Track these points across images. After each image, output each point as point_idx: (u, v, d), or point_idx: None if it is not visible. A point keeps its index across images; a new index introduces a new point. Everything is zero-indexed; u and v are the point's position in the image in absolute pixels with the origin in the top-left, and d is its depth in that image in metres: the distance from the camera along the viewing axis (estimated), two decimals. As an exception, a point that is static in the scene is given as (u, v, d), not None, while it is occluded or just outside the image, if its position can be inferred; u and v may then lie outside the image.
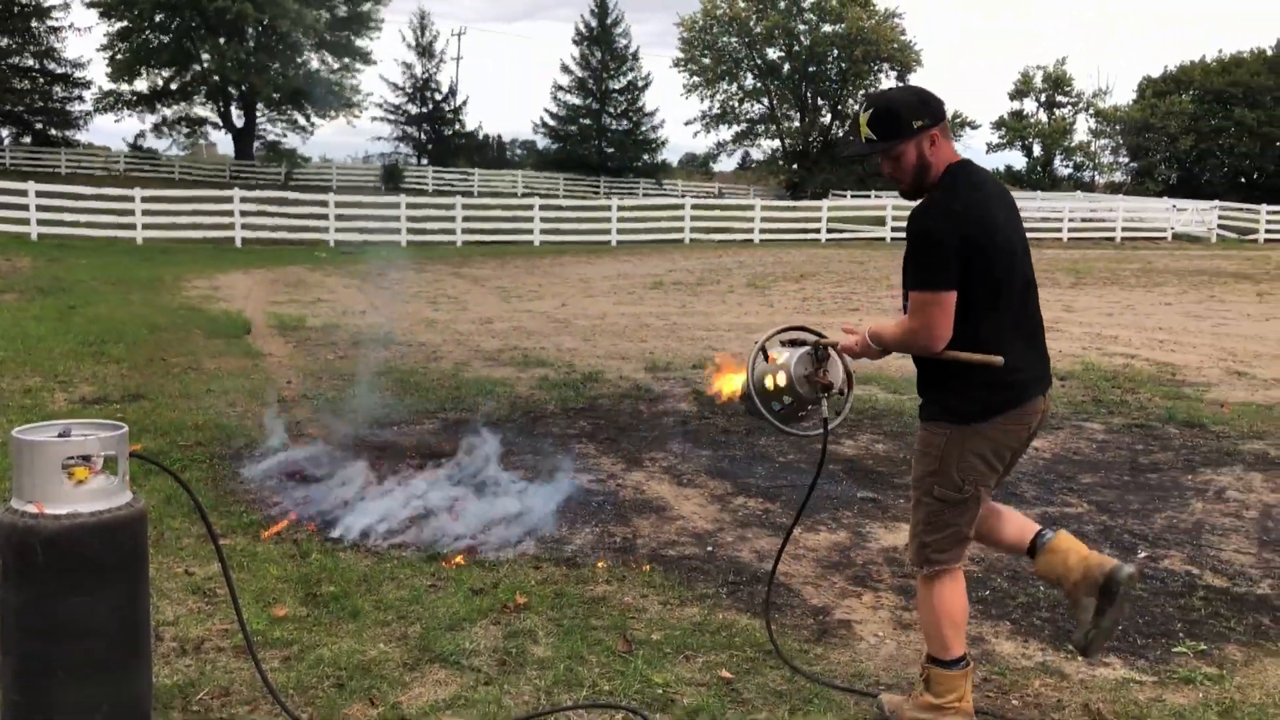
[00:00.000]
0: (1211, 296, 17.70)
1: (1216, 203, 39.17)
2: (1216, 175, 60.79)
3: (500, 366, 9.91)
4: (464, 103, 59.59)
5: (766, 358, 3.45)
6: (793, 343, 3.46)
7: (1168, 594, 4.55)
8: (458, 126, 57.39)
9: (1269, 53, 63.27)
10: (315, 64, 49.43)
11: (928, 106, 3.11)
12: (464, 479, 5.99)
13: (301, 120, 50.75)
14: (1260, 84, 60.16)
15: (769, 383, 3.40)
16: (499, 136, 66.31)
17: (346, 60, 49.72)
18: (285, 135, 51.46)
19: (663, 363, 10.12)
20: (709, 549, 5.02)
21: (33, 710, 2.94)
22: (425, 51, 56.39)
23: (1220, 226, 37.05)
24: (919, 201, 3.15)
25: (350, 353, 10.57)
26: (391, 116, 55.95)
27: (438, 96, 56.53)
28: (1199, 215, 37.87)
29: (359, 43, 49.24)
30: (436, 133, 56.22)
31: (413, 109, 56.42)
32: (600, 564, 4.73)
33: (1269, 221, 36.52)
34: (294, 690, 3.47)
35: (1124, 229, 35.29)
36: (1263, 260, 27.15)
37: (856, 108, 3.19)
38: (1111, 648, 4.00)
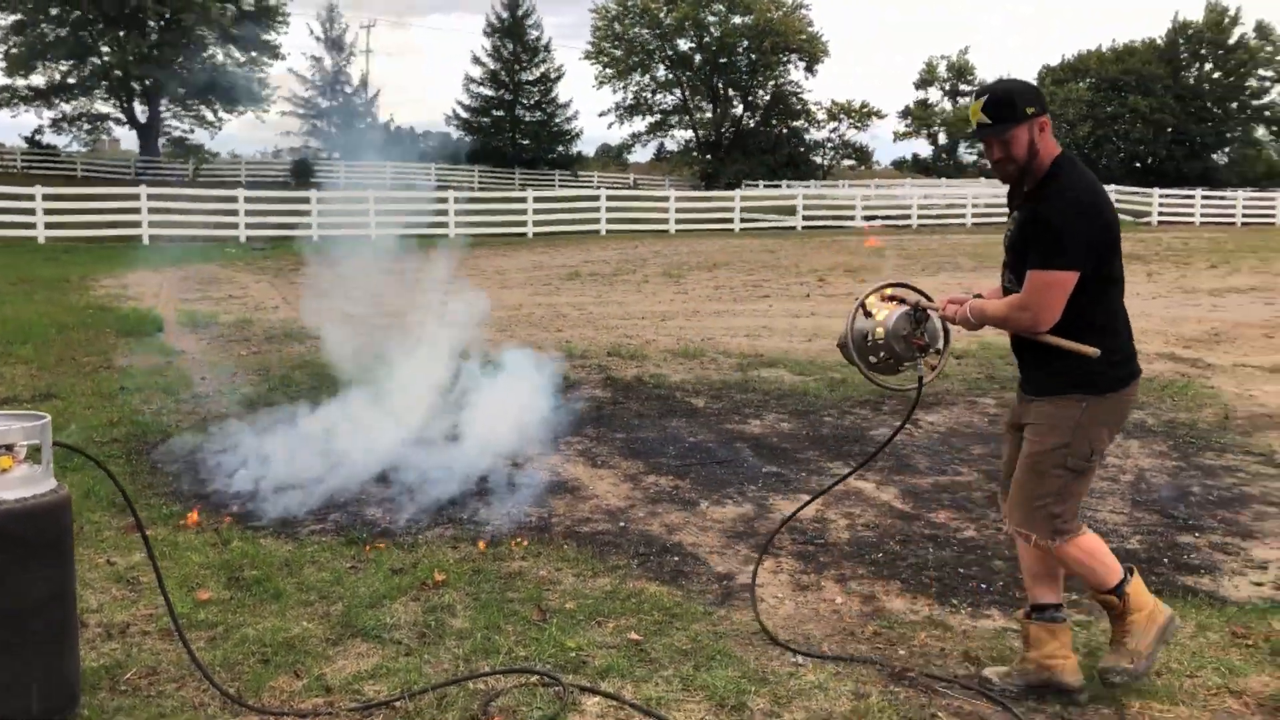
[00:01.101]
0: (1105, 277, 18.42)
1: (1113, 187, 40.51)
2: (1113, 160, 62.84)
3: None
4: (376, 96, 58.90)
5: (867, 313, 3.58)
6: (895, 299, 3.59)
7: (1046, 551, 4.89)
8: (370, 120, 56.70)
9: (1159, 42, 65.57)
10: (221, 58, 48.42)
11: (1038, 96, 3.36)
12: (387, 466, 6.14)
13: (209, 115, 49.70)
14: (1151, 72, 62.37)
15: (868, 337, 3.53)
16: (411, 128, 65.62)
17: (254, 54, 48.82)
18: (192, 131, 50.37)
19: (579, 351, 10.32)
20: (621, 524, 5.24)
21: (-34, 691, 3.05)
22: (335, 45, 55.61)
23: (1117, 209, 38.36)
24: (1047, 188, 3.31)
25: (264, 348, 10.58)
26: (301, 111, 55.08)
27: (348, 90, 55.82)
28: (1096, 200, 39.14)
29: (266, 36, 48.35)
30: (348, 126, 55.51)
31: (323, 103, 55.61)
32: (516, 542, 4.92)
33: (1161, 204, 37.97)
34: (220, 667, 3.61)
35: (1026, 214, 36.34)
36: (1155, 241, 28.26)
37: (969, 98, 3.40)
38: (991, 601, 4.32)
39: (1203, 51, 65.46)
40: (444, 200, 31.17)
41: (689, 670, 3.62)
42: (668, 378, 9.04)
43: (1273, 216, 38.28)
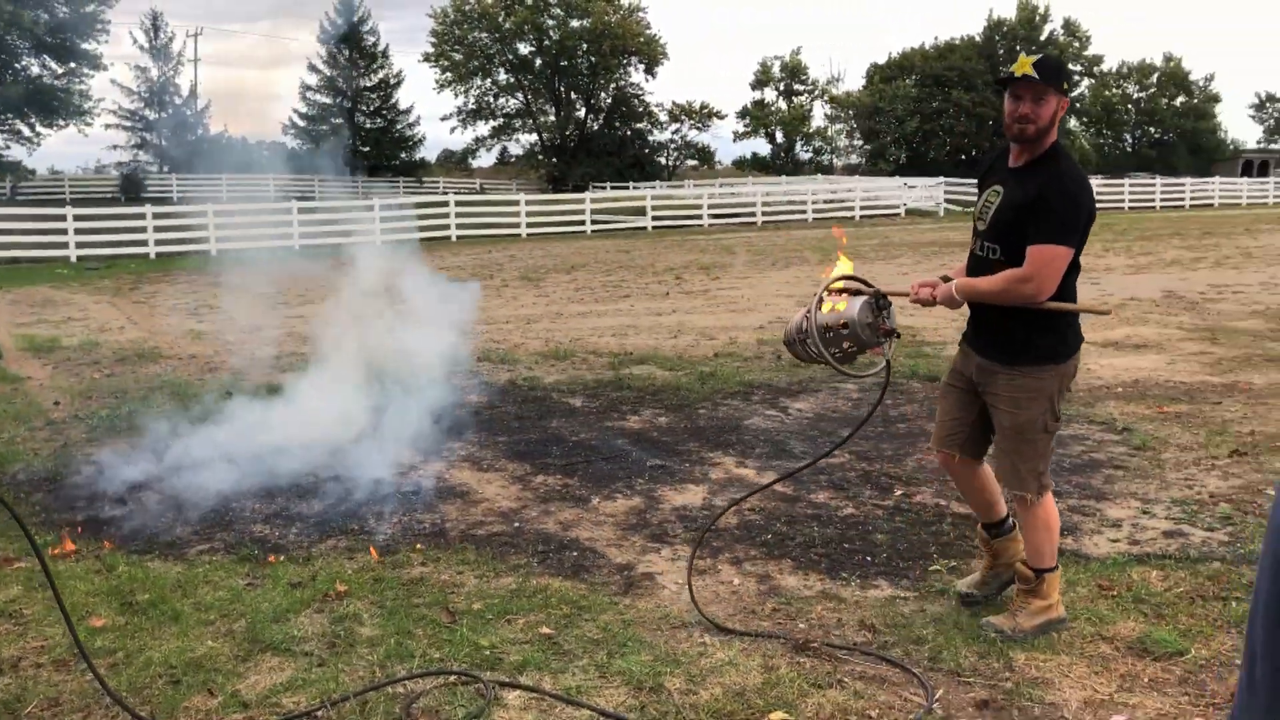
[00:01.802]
0: (943, 265, 19.33)
1: (942, 179, 42.42)
2: (940, 153, 65.61)
3: (280, 373, 9.80)
4: (207, 105, 56.83)
5: (821, 307, 3.73)
6: (850, 292, 3.76)
7: (922, 524, 5.20)
8: (200, 131, 54.70)
9: (978, 39, 68.85)
10: (37, 70, 45.89)
11: (1073, 81, 3.59)
12: (267, 480, 6.05)
13: (26, 131, 47.05)
14: (973, 68, 65.37)
15: (831, 329, 3.66)
16: (243, 139, 63.56)
17: (73, 65, 46.44)
18: (8, 147, 47.61)
19: (448, 357, 10.27)
20: (516, 525, 5.31)
21: None
22: (160, 54, 53.41)
23: (946, 201, 40.17)
24: (1048, 168, 3.60)
25: (117, 370, 10.18)
26: (127, 123, 52.71)
27: (177, 100, 53.71)
28: (928, 191, 40.93)
29: (85, 46, 46.07)
30: (178, 138, 53.42)
31: (150, 114, 53.36)
32: (414, 551, 4.94)
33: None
34: (127, 691, 3.54)
35: (862, 207, 37.70)
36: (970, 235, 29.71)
37: (1021, 52, 3.64)
38: (878, 572, 4.57)
39: (1017, 47, 68.93)
40: (287, 211, 30.41)
41: (603, 658, 3.73)
42: (541, 379, 9.12)
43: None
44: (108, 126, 54.18)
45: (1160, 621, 3.93)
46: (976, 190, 3.96)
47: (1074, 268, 3.68)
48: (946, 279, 3.84)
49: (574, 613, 4.13)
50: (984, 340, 3.84)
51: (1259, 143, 79.06)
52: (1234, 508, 5.30)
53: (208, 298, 17.45)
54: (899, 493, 5.72)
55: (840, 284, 3.83)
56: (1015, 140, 3.69)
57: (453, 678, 3.60)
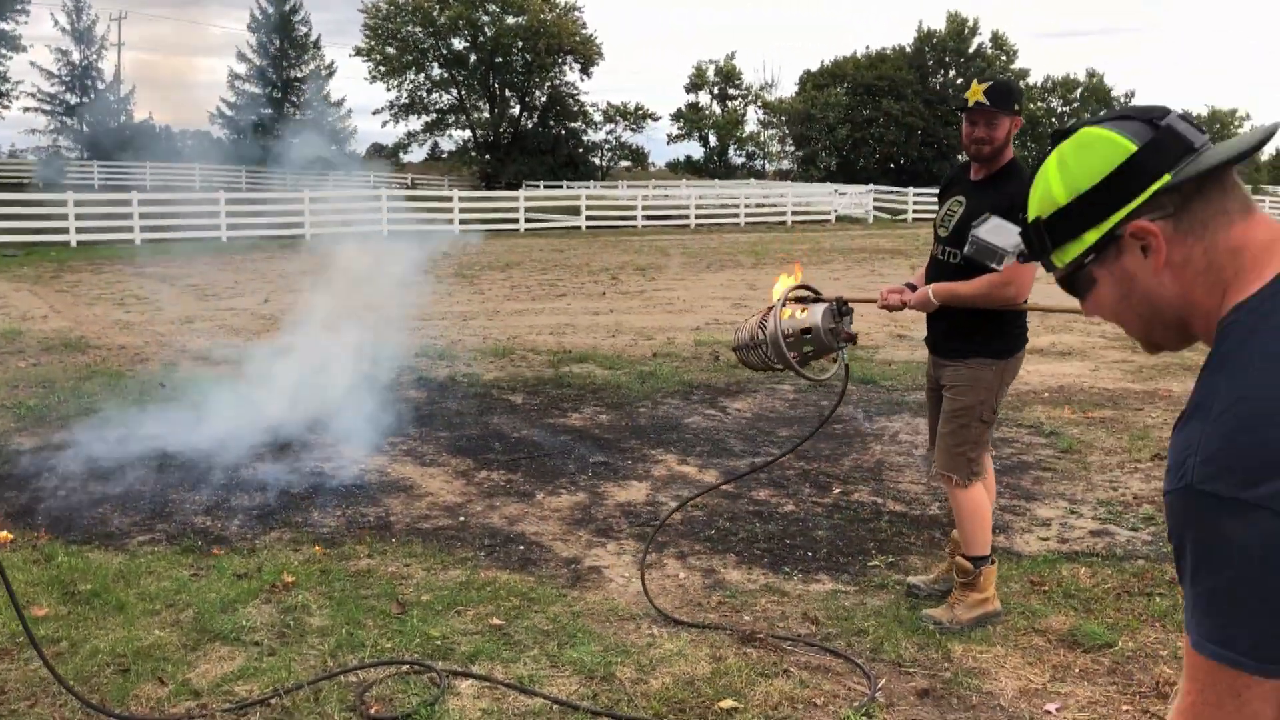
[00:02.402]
0: (872, 271, 19.69)
1: (871, 187, 43.08)
2: (870, 161, 66.64)
3: (212, 365, 9.69)
4: (131, 91, 55.49)
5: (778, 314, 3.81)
6: (803, 300, 3.85)
7: (860, 520, 5.34)
8: (124, 118, 53.41)
9: (908, 50, 70.05)
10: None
11: (1022, 100, 3.89)
12: (206, 472, 6.00)
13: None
14: (903, 78, 66.51)
15: (790, 334, 3.72)
16: (166, 127, 62.17)
17: (-11, 44, 45.12)
18: (-83, 127, 46.04)
19: (385, 352, 10.22)
20: (461, 519, 5.34)
21: None
22: (82, 37, 52.03)
23: (875, 208, 40.81)
24: (1010, 181, 3.83)
25: (43, 359, 9.95)
26: (47, 107, 51.26)
27: (100, 85, 52.37)
28: (857, 198, 41.53)
29: (3, 26, 44.75)
30: (100, 124, 52.08)
31: (72, 99, 51.95)
32: (360, 543, 4.94)
33: (916, 202, 40.59)
34: (75, 680, 3.51)
35: (793, 213, 38.13)
36: (913, 237, 30.27)
37: (974, 79, 3.80)
38: (819, 566, 4.69)
39: (946, 59, 70.36)
40: (215, 201, 29.86)
41: (554, 648, 3.79)
42: (481, 376, 9.13)
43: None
44: (26, 110, 52.68)
45: (1089, 615, 4.10)
46: (938, 201, 4.18)
47: None
48: (912, 287, 4.03)
49: (523, 604, 4.19)
50: (937, 337, 4.11)
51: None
52: (1156, 509, 5.53)
53: (134, 288, 17.09)
54: (837, 491, 5.86)
55: (797, 293, 3.94)
56: (973, 159, 3.98)
57: (405, 667, 3.63)
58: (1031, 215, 1.36)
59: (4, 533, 4.97)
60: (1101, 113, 1.34)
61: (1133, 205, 1.24)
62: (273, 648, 3.79)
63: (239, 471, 6.11)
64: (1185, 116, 1.26)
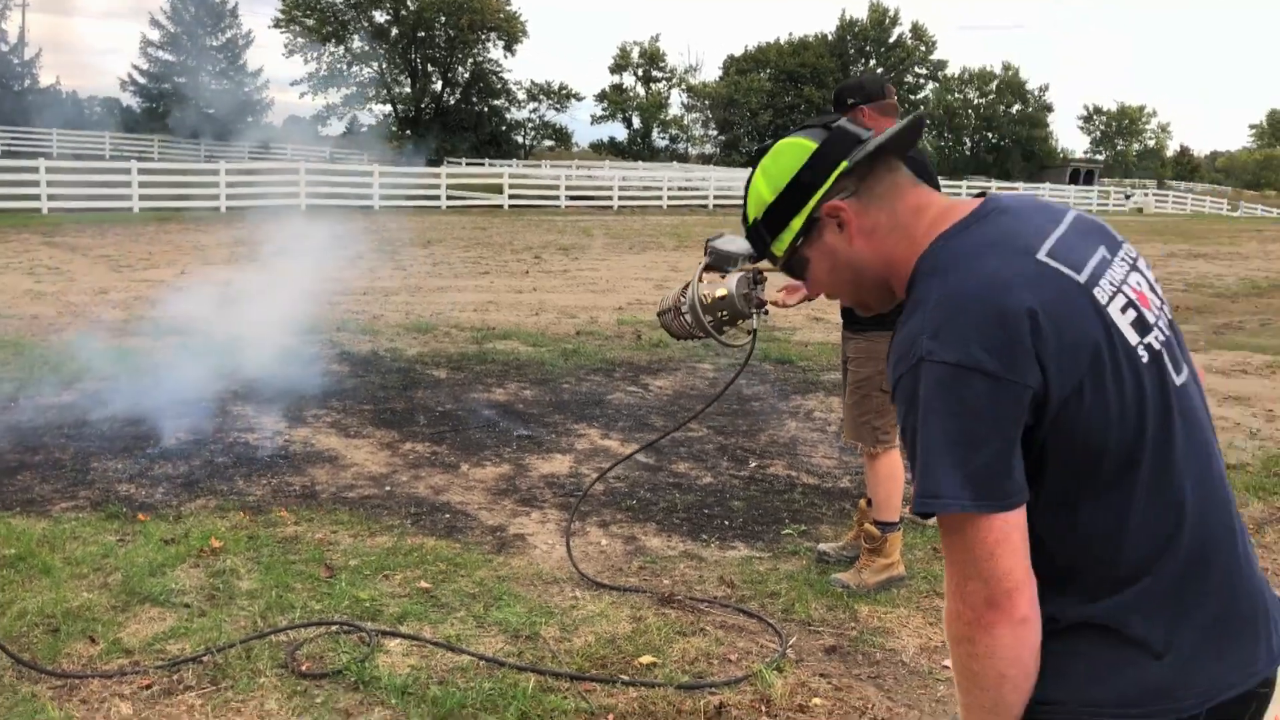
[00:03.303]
0: (793, 255, 20.03)
1: (793, 172, 43.57)
2: (792, 148, 67.23)
3: (130, 336, 9.57)
4: (37, 55, 53.67)
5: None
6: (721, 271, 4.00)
7: (775, 492, 5.56)
8: (29, 82, 51.63)
9: (830, 38, 70.87)
10: None
11: (861, 93, 4.26)
12: (129, 441, 6.00)
13: None
14: (824, 66, 67.31)
15: (707, 299, 3.85)
16: (73, 92, 60.19)
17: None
18: None
19: (306, 326, 10.20)
20: (387, 489, 5.43)
21: None
22: (-16, -5, 50.09)
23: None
24: None
25: (-49, 328, 9.73)
26: (-54, 67, 49.28)
27: (3, 48, 50.51)
28: (780, 184, 41.99)
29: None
30: (5, 89, 50.27)
31: (-27, 60, 50.03)
32: (286, 510, 5.01)
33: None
34: (4, 640, 3.55)
35: (716, 196, 38.49)
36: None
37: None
38: (735, 535, 4.90)
39: (868, 48, 71.38)
40: (126, 171, 29.11)
41: (480, 610, 3.93)
42: (404, 351, 9.17)
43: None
44: (-76, 71, 50.63)
45: (986, 579, 4.35)
46: None
47: None
48: None
49: (450, 569, 4.31)
50: (845, 314, 4.34)
51: (1086, 152, 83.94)
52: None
53: (44, 257, 16.68)
54: (754, 464, 6.07)
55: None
56: None
57: (335, 627, 3.74)
58: (750, 219, 1.63)
59: (-79, 499, 4.94)
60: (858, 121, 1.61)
61: (822, 190, 1.53)
62: (203, 609, 3.87)
63: (161, 441, 6.11)
64: (852, 119, 1.57)
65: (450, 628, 3.77)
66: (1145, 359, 1.41)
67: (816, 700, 3.36)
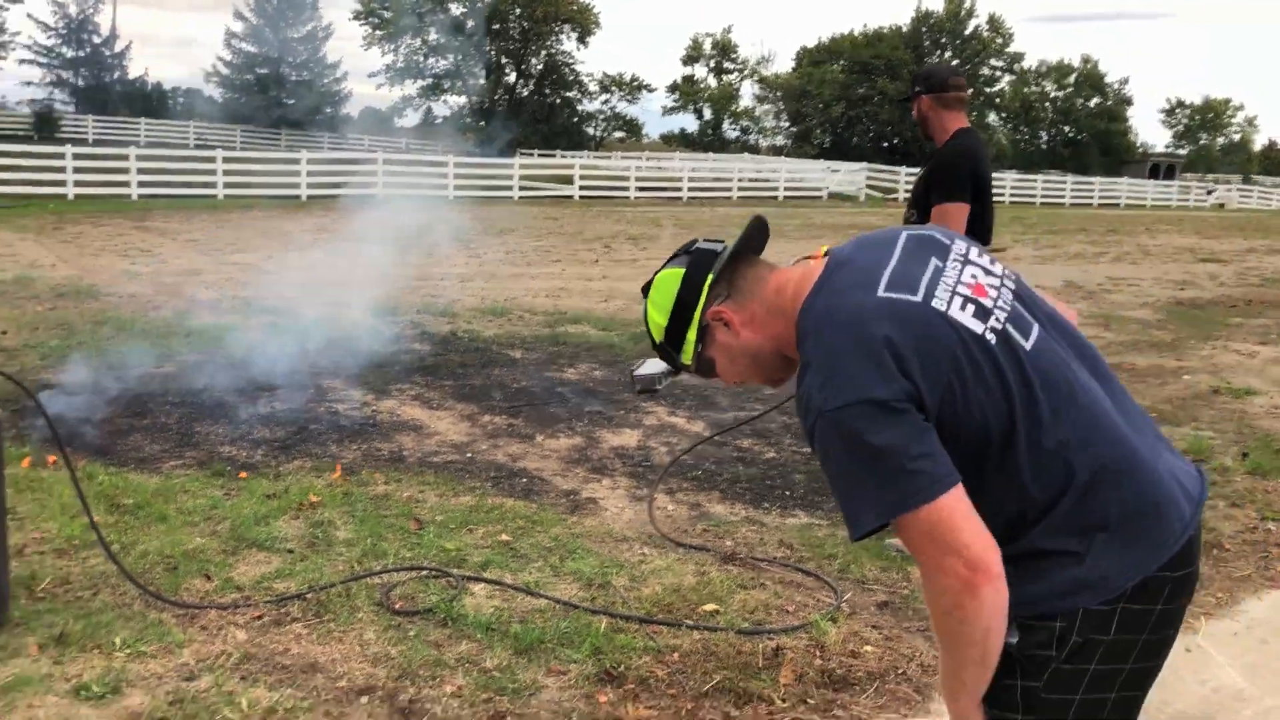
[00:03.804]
0: (862, 247, 20.13)
1: (864, 165, 43.49)
2: (864, 140, 66.95)
3: (223, 315, 10.06)
4: (127, 47, 55.40)
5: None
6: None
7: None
8: (120, 73, 53.32)
9: (905, 29, 70.22)
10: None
11: (927, 81, 4.55)
12: (229, 409, 6.43)
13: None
14: (898, 58, 66.67)
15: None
16: (158, 83, 61.96)
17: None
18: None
19: (388, 308, 10.64)
20: (468, 455, 5.78)
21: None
22: (78, -11, 51.87)
23: (868, 186, 41.22)
24: (939, 151, 4.56)
25: (58, 304, 10.33)
26: (43, 60, 51.12)
27: (96, 39, 52.22)
28: (850, 176, 41.93)
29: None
30: (96, 79, 51.97)
31: (68, 52, 51.81)
32: (377, 472, 5.38)
33: (907, 181, 41.00)
34: (133, 575, 3.94)
35: (786, 189, 38.52)
36: (902, 215, 30.70)
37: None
38: (796, 504, 5.16)
39: (943, 40, 70.58)
40: (211, 159, 30.06)
41: (556, 561, 4.25)
42: (481, 333, 9.55)
43: (1002, 196, 42.06)
44: (21, 62, 52.56)
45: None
46: None
47: (985, 226, 4.45)
48: None
49: (528, 525, 4.64)
50: None
51: (1167, 147, 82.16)
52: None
53: (136, 241, 17.42)
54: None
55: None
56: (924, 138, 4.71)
57: (424, 572, 4.08)
58: (656, 342, 1.93)
59: (51, 456, 5.39)
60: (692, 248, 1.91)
61: (701, 302, 1.84)
62: (304, 555, 4.23)
63: (258, 409, 6.53)
64: (707, 239, 1.89)
65: (529, 575, 4.09)
66: (994, 341, 1.65)
67: (868, 648, 3.62)
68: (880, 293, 1.67)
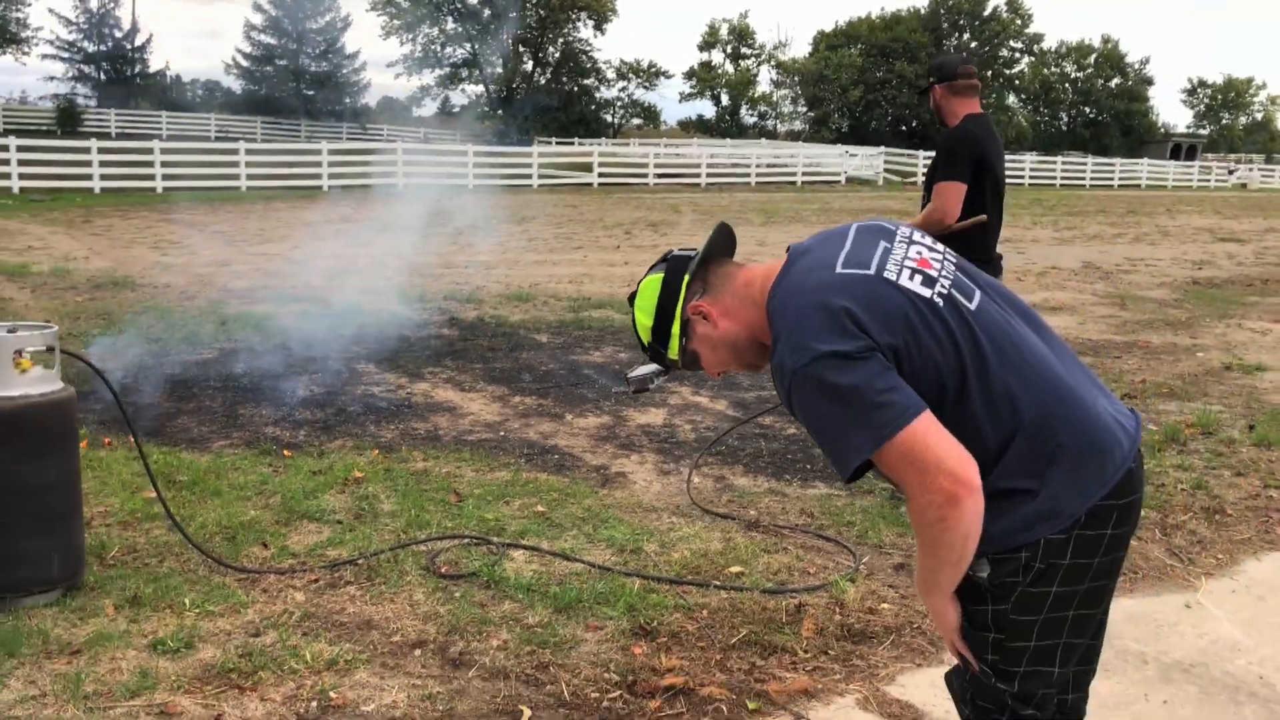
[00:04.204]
0: (880, 231, 20.27)
1: (882, 149, 43.52)
2: (882, 124, 66.82)
3: (256, 303, 10.35)
4: (148, 40, 55.88)
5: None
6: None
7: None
8: (141, 67, 53.81)
9: (923, 12, 69.97)
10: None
11: (941, 71, 4.83)
12: (269, 392, 6.70)
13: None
14: (917, 41, 66.51)
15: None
16: (177, 76, 62.47)
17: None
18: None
19: (415, 295, 10.91)
20: (501, 434, 6.04)
21: (5, 560, 3.58)
22: (99, -16, 52.33)
23: (886, 170, 41.27)
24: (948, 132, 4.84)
25: (97, 295, 10.65)
26: (65, 54, 51.65)
27: (118, 33, 52.70)
28: (868, 160, 41.98)
29: (23, -28, 45.10)
30: (117, 72, 52.47)
31: (90, 46, 52.33)
32: (415, 450, 5.64)
33: (925, 165, 40.89)
34: (189, 546, 4.21)
35: (804, 173, 38.63)
36: (921, 199, 30.77)
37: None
38: (815, 476, 5.38)
39: (961, 22, 70.35)
40: (234, 152, 30.41)
41: (590, 529, 4.50)
42: (507, 318, 9.80)
43: (1021, 178, 42.03)
44: (44, 57, 53.12)
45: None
46: None
47: (991, 206, 4.70)
48: None
49: (562, 497, 4.89)
50: None
51: (1188, 127, 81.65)
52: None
53: (165, 233, 17.76)
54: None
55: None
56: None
57: (466, 541, 4.34)
58: (646, 344, 2.19)
59: (105, 438, 5.68)
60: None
61: (680, 300, 2.09)
62: (352, 525, 4.50)
63: (297, 392, 6.80)
64: (681, 248, 2.19)
65: (565, 542, 4.34)
66: (941, 303, 1.90)
67: (884, 605, 3.85)
68: (838, 270, 1.93)
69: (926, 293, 1.91)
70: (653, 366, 2.42)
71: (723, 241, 2.15)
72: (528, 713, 3.08)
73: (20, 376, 3.59)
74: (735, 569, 4.09)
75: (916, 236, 2.04)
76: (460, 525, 4.51)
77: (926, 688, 3.26)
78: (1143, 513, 4.77)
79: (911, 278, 1.92)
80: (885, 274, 1.91)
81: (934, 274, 1.95)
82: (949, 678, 2.18)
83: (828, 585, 3.97)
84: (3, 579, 3.59)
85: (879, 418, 1.78)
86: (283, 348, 8.06)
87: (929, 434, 1.77)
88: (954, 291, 1.94)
